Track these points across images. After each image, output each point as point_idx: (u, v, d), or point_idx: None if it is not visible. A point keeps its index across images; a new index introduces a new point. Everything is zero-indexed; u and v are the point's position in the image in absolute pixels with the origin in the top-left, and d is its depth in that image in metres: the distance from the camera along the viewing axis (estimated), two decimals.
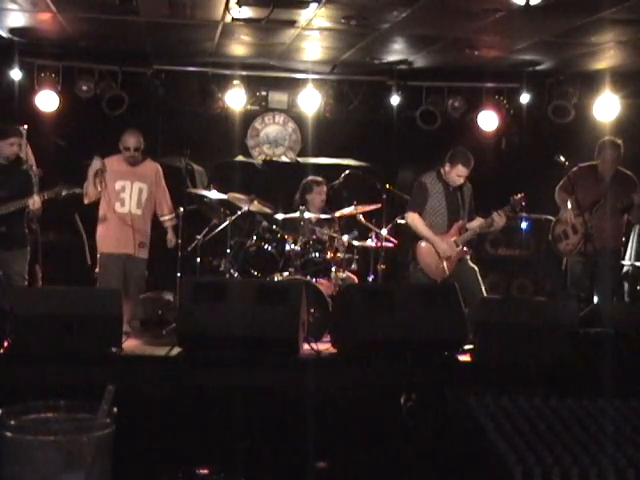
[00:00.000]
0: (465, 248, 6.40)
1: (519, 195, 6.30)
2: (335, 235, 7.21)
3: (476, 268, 6.43)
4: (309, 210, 7.34)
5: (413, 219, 6.44)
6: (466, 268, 6.37)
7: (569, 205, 6.73)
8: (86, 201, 6.45)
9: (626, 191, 6.56)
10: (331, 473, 3.87)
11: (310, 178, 7.72)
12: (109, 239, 6.45)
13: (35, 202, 6.00)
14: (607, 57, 7.34)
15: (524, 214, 8.28)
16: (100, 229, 6.53)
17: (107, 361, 4.63)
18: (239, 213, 7.24)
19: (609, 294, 6.57)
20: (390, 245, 7.07)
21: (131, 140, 6.41)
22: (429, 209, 6.42)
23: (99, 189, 6.32)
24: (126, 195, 6.44)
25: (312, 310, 6.41)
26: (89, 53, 7.86)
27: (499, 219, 6.28)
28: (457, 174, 6.30)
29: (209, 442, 3.94)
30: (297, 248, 7.02)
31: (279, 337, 4.72)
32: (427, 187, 6.40)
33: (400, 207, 7.02)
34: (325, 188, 7.62)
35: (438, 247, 6.34)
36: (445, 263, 6.37)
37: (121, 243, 6.38)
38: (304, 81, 8.49)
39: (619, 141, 6.75)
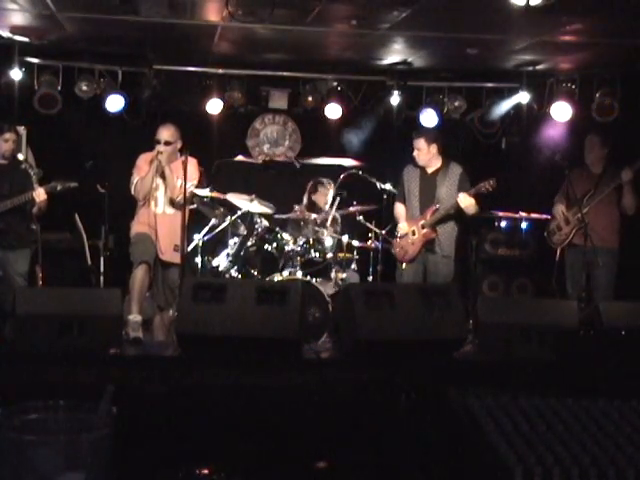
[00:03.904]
0: (430, 230, 6.45)
1: (488, 181, 6.35)
2: (335, 235, 7.22)
3: (452, 271, 6.49)
4: (315, 210, 7.37)
5: (394, 208, 6.88)
6: (440, 268, 6.47)
7: (562, 202, 6.87)
8: (141, 199, 6.17)
9: (615, 179, 6.63)
10: (331, 473, 3.87)
11: (316, 179, 7.77)
12: (143, 235, 6.17)
13: (40, 194, 6.00)
14: (607, 57, 7.33)
15: (523, 214, 8.29)
16: (134, 228, 6.28)
17: (107, 361, 4.63)
18: (239, 213, 7.24)
19: (606, 294, 6.57)
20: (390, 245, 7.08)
21: (162, 132, 6.16)
22: (407, 195, 6.70)
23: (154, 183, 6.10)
24: (159, 194, 6.21)
25: (312, 310, 6.42)
26: (89, 53, 7.84)
27: (463, 201, 6.33)
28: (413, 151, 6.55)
29: (209, 442, 3.94)
30: (297, 248, 7.03)
31: (279, 337, 4.72)
32: (402, 176, 6.76)
33: None
34: (329, 189, 7.65)
35: (399, 227, 6.67)
36: (408, 245, 6.53)
37: (155, 246, 6.13)
38: (304, 81, 8.49)
39: (603, 133, 6.91)
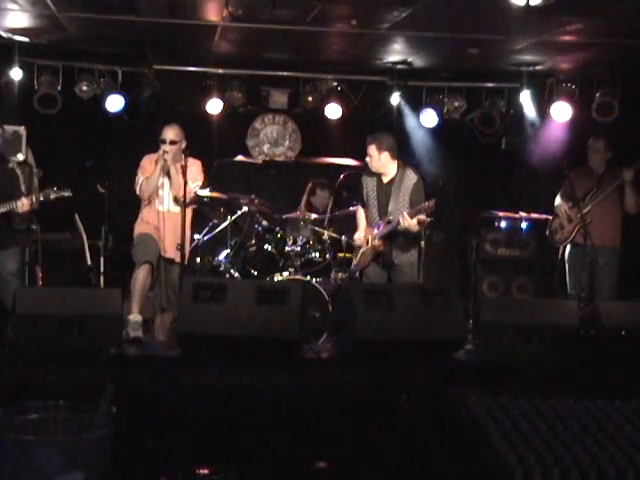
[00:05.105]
0: (380, 243, 6.25)
1: (428, 203, 6.00)
2: (335, 235, 7.23)
3: (415, 275, 6.32)
4: (313, 212, 7.37)
5: (357, 212, 6.67)
6: (405, 273, 6.27)
7: (564, 200, 6.88)
8: (146, 198, 6.16)
9: (617, 178, 6.65)
10: (331, 473, 3.87)
11: (315, 180, 7.75)
12: (146, 235, 6.17)
13: (23, 205, 5.89)
14: (607, 57, 7.34)
15: (523, 214, 8.29)
16: (138, 228, 6.26)
17: (107, 361, 4.63)
18: (239, 213, 7.25)
19: (608, 294, 6.57)
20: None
21: (167, 132, 6.17)
22: (366, 203, 6.48)
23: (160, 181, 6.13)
24: (164, 192, 6.20)
25: (312, 310, 6.42)
26: (89, 53, 7.84)
27: (403, 221, 6.02)
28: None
29: (209, 442, 3.94)
30: (297, 248, 7.03)
31: (279, 337, 4.72)
32: (362, 181, 6.51)
33: None
34: (328, 192, 7.65)
35: (354, 237, 6.52)
36: (361, 254, 6.41)
37: (159, 244, 6.13)
38: (304, 81, 8.49)
39: (607, 136, 6.90)
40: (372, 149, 6.28)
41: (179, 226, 5.99)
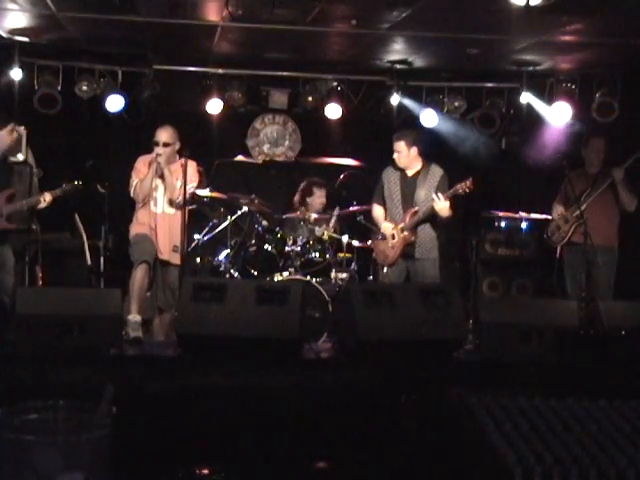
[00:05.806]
0: (409, 233, 6.33)
1: (464, 182, 6.19)
2: (335, 235, 7.23)
3: (437, 273, 6.38)
4: (308, 211, 7.36)
5: (372, 209, 6.75)
6: (426, 269, 6.35)
7: (560, 204, 6.91)
8: (140, 200, 6.18)
9: (609, 176, 6.67)
10: (331, 473, 3.87)
11: (311, 180, 7.73)
12: (143, 236, 6.17)
13: (45, 200, 5.99)
14: (607, 57, 7.34)
15: (523, 214, 8.29)
16: (134, 229, 6.26)
17: (107, 361, 4.63)
18: (239, 213, 7.25)
19: (606, 293, 6.57)
20: None
21: (160, 134, 6.16)
22: (387, 198, 6.55)
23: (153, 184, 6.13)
24: (159, 194, 6.20)
25: (312, 310, 6.42)
26: (89, 53, 7.85)
27: (437, 202, 6.17)
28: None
29: (209, 442, 3.94)
30: (297, 248, 7.03)
31: (279, 337, 4.72)
32: (382, 177, 6.61)
33: None
34: (325, 191, 7.64)
35: (381, 228, 6.54)
36: (388, 248, 6.45)
37: (155, 246, 6.13)
38: (304, 81, 8.49)
39: (607, 136, 6.90)
40: (401, 146, 6.38)
41: (174, 227, 6.00)
